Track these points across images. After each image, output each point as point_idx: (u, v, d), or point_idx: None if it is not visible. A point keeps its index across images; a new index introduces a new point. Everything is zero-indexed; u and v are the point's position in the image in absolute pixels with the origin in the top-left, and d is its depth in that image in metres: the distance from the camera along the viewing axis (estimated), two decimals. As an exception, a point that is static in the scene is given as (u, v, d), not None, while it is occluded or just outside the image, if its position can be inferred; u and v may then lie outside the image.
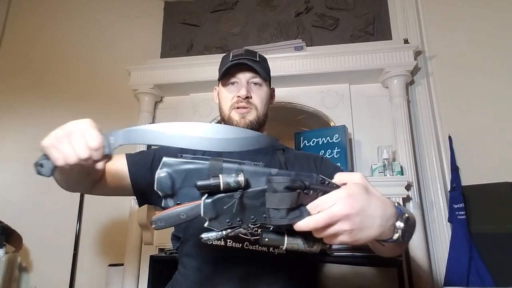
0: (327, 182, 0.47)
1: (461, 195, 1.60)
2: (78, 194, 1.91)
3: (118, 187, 0.76)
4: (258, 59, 0.90)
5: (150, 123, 2.01)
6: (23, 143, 1.93)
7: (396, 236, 0.48)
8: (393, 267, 1.50)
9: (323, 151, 1.76)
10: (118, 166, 0.76)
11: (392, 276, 1.50)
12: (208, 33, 2.30)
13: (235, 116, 0.86)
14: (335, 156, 1.73)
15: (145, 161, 0.79)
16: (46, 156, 0.51)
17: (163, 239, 1.88)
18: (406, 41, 1.88)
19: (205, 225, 0.46)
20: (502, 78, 1.54)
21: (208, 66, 1.97)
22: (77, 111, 1.98)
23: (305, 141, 1.83)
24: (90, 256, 1.90)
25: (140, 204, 0.82)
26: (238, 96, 0.86)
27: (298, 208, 0.44)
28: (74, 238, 1.88)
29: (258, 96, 0.88)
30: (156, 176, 0.48)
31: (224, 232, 0.46)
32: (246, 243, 0.75)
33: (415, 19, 2.01)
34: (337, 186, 0.47)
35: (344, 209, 0.43)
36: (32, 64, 2.07)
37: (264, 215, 0.45)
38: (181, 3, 2.38)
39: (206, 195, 0.46)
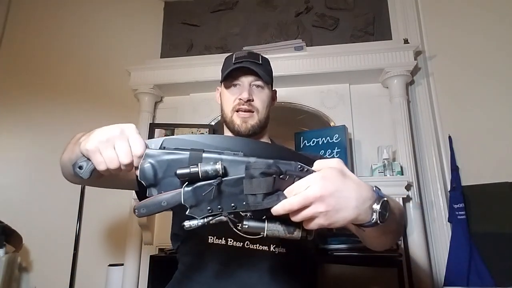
0: (305, 169, 0.48)
1: (461, 195, 1.60)
2: (78, 194, 1.90)
3: (125, 179, 0.75)
4: (260, 61, 0.90)
5: (150, 123, 2.01)
6: (23, 143, 1.93)
7: (374, 219, 0.48)
8: (393, 267, 1.50)
9: (323, 151, 1.76)
10: None
11: (392, 276, 1.50)
12: (208, 33, 2.30)
13: (237, 120, 0.88)
14: (335, 156, 1.73)
15: None
16: (86, 158, 0.52)
17: (163, 239, 1.88)
18: (406, 41, 1.88)
19: (187, 212, 0.47)
20: (502, 78, 1.54)
21: (208, 66, 1.96)
22: (77, 111, 1.98)
23: (305, 141, 1.83)
24: (90, 256, 1.89)
25: (140, 199, 0.82)
26: (240, 99, 0.87)
27: (275, 193, 0.46)
28: (74, 238, 1.88)
29: (260, 99, 0.89)
30: (139, 166, 0.49)
31: (205, 220, 0.48)
32: (247, 242, 0.75)
33: (415, 19, 2.01)
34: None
35: (317, 191, 0.44)
36: (32, 64, 2.07)
37: (244, 202, 0.47)
38: (181, 3, 2.38)
39: (187, 183, 0.47)
